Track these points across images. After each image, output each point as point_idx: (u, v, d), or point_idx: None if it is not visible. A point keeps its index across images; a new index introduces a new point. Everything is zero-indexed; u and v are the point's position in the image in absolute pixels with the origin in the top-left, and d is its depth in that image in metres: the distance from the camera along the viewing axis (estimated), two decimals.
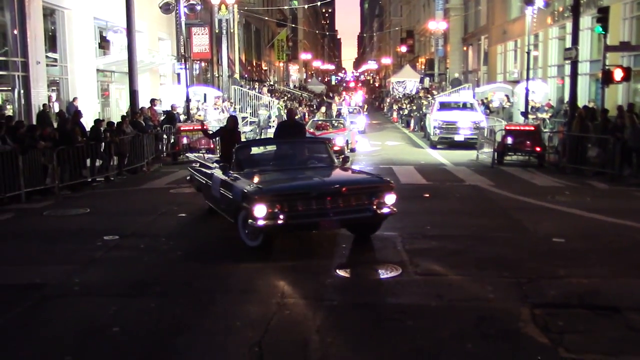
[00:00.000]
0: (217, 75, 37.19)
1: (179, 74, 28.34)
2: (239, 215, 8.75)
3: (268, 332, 5.95)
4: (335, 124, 24.35)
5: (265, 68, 59.62)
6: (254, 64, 53.47)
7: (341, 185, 8.81)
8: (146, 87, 25.70)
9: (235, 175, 9.38)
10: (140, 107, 20.50)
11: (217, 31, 34.59)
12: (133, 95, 19.92)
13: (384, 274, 7.69)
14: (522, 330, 5.91)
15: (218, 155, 12.98)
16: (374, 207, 8.61)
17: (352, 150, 21.94)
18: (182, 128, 20.98)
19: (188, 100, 24.80)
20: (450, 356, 5.39)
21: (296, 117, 18.20)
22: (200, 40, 32.45)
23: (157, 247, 9.17)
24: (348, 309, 6.62)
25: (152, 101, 23.16)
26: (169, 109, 23.10)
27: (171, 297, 6.98)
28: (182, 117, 23.92)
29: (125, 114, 19.51)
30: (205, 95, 29.65)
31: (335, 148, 17.93)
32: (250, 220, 8.21)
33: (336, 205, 8.44)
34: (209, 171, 10.53)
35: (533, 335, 5.76)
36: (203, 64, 36.70)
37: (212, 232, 10.04)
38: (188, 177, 12.41)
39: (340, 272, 7.79)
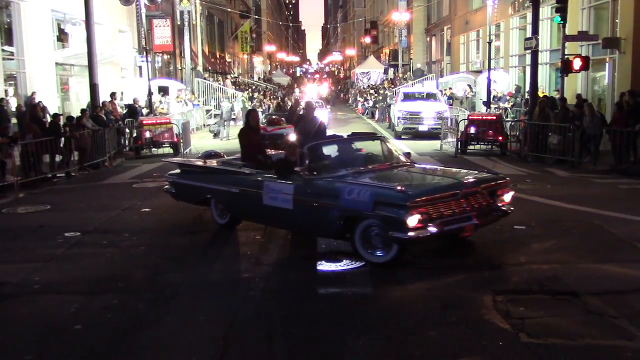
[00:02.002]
0: (180, 67, 36.81)
1: (140, 67, 27.96)
2: (357, 227, 7.48)
3: (233, 325, 5.93)
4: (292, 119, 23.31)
5: (229, 60, 59.21)
6: (218, 56, 53.04)
7: (477, 184, 7.87)
8: (107, 80, 25.29)
9: (325, 179, 8.00)
10: (101, 101, 20.16)
11: (179, 23, 34.23)
12: (93, 88, 19.58)
13: (348, 264, 7.72)
14: (485, 317, 5.99)
15: (230, 158, 10.56)
16: (501, 205, 8.08)
17: None
18: (144, 122, 20.70)
19: (150, 94, 24.48)
20: (415, 344, 5.44)
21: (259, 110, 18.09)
22: (162, 33, 32.07)
23: (119, 242, 9.04)
24: (313, 300, 6.63)
25: (113, 95, 22.80)
26: (131, 102, 22.77)
27: (134, 293, 6.90)
28: (145, 111, 23.61)
29: (85, 108, 19.17)
30: (167, 88, 29.28)
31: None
32: (393, 232, 7.09)
33: (474, 207, 7.61)
34: (250, 178, 8.80)
35: (495, 322, 5.85)
36: (165, 57, 36.26)
37: (176, 227, 9.94)
38: (167, 188, 10.47)
39: (306, 263, 7.80)
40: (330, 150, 9.00)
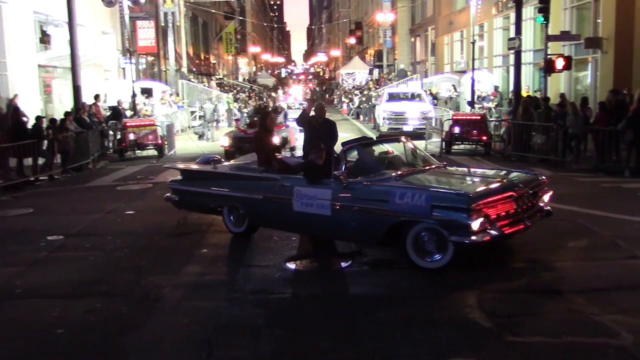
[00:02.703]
0: (164, 69, 36.64)
1: (124, 69, 27.79)
2: (408, 232, 7.20)
3: (217, 327, 5.90)
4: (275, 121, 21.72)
5: (214, 61, 59.05)
6: (202, 58, 52.88)
7: (526, 185, 7.71)
8: (90, 82, 25.07)
9: (369, 182, 7.65)
10: (83, 103, 19.99)
11: (163, 24, 34.06)
12: (76, 90, 19.43)
13: (333, 265, 7.71)
14: (469, 316, 6.01)
15: (242, 162, 9.82)
16: (543, 205, 7.97)
17: (292, 149, 19.49)
18: (128, 124, 20.57)
19: (134, 95, 24.34)
20: (400, 344, 5.44)
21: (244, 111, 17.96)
22: (146, 34, 31.91)
23: (103, 245, 8.97)
24: (299, 301, 6.62)
25: (96, 97, 22.64)
26: (115, 104, 22.62)
27: (118, 297, 6.84)
28: (129, 113, 23.46)
29: (69, 111, 19.01)
30: (151, 89, 29.11)
31: None
32: (454, 237, 6.85)
33: (524, 208, 7.49)
34: (277, 183, 8.30)
35: (479, 321, 5.87)
36: (149, 58, 36.08)
37: (161, 230, 9.87)
38: (169, 196, 9.78)
39: (290, 265, 7.78)
40: (364, 153, 8.57)
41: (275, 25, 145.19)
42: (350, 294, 6.80)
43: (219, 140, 19.96)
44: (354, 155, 8.42)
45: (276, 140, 17.62)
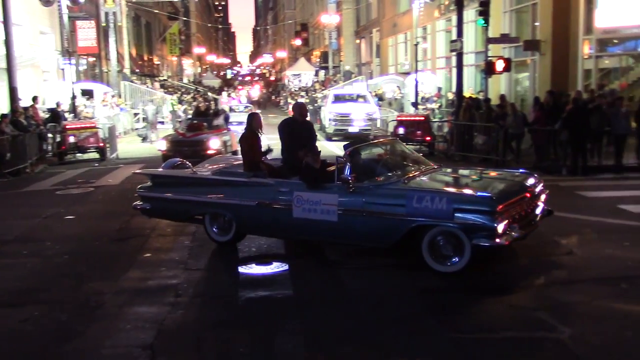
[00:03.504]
0: (105, 70, 35.84)
1: (63, 70, 27.06)
2: (424, 236, 7.04)
3: (161, 332, 5.80)
4: (214, 124, 19.69)
5: (158, 62, 58.14)
6: (146, 59, 51.99)
7: (532, 185, 7.73)
8: (28, 84, 24.32)
9: (382, 186, 7.39)
10: (21, 105, 19.36)
11: (104, 24, 33.30)
12: (12, 92, 18.81)
13: (279, 267, 7.69)
14: (415, 314, 6.10)
15: (225, 166, 9.29)
16: (543, 205, 7.87)
17: (234, 153, 18.32)
18: (68, 126, 20.01)
19: (74, 97, 23.72)
20: (347, 343, 5.47)
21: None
22: (86, 34, 31.16)
23: (41, 251, 8.70)
24: (245, 304, 6.57)
25: (35, 99, 21.97)
26: (54, 106, 22.00)
27: (57, 304, 6.64)
28: (69, 115, 22.85)
29: (5, 113, 18.38)
30: (92, 91, 28.43)
31: (210, 152, 16.14)
32: (478, 240, 6.73)
33: (533, 209, 7.56)
34: (272, 189, 7.88)
35: (425, 319, 5.96)
36: (90, 59, 35.25)
37: (103, 234, 9.63)
38: (139, 204, 8.98)
39: (235, 268, 7.72)
40: (365, 156, 8.22)
41: (220, 26, 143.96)
42: (299, 295, 6.78)
43: (156, 144, 18.93)
44: (366, 157, 8.20)
45: (215, 144, 17.09)
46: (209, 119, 19.89)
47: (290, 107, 43.27)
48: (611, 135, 15.15)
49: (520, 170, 8.85)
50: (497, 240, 6.69)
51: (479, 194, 7.10)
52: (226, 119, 21.43)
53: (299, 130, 8.88)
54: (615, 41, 22.20)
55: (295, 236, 8.12)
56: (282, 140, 8.82)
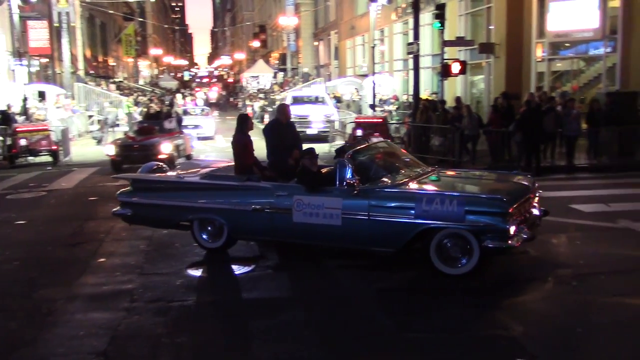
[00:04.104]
0: (59, 71, 35.06)
1: (14, 71, 26.38)
2: (432, 239, 6.92)
3: (115, 339, 5.69)
4: (166, 127, 18.83)
5: (113, 64, 57.20)
6: (101, 60, 51.10)
7: (534, 187, 7.78)
8: None
9: (387, 189, 7.26)
10: None
11: (57, 25, 32.57)
12: None
13: (237, 270, 7.64)
14: (370, 315, 6.12)
15: (214, 169, 9.00)
16: (537, 205, 7.84)
17: (188, 157, 18.50)
18: (19, 129, 19.47)
19: (26, 99, 23.14)
20: (301, 344, 5.45)
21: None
22: (38, 35, 30.41)
23: None
24: (201, 308, 6.50)
25: None
26: (4, 108, 21.41)
27: (6, 312, 6.47)
28: (20, 117, 22.28)
29: None
30: (44, 93, 27.76)
31: (161, 156, 15.55)
32: (490, 242, 6.66)
33: (533, 209, 7.59)
34: (270, 193, 7.63)
35: (380, 319, 5.99)
36: (43, 60, 34.45)
37: (55, 240, 9.41)
38: (119, 210, 8.61)
39: (192, 272, 7.64)
40: (364, 158, 7.91)
41: (178, 28, 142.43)
42: (253, 298, 6.74)
43: (105, 148, 17.97)
44: (365, 159, 7.92)
45: (167, 148, 16.38)
46: (160, 122, 19.11)
47: (249, 109, 43.22)
48: (563, 137, 15.51)
49: (514, 171, 8.98)
50: (510, 241, 6.68)
51: (490, 195, 7.08)
52: (179, 121, 20.84)
53: (284, 133, 8.76)
54: (567, 44, 22.76)
55: (294, 241, 7.82)
56: (268, 143, 8.72)
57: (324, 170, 8.06)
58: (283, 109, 9.17)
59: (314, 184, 7.45)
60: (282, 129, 8.81)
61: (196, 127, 25.39)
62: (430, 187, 7.53)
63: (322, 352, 5.34)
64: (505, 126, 15.45)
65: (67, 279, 7.47)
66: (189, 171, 8.91)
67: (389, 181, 7.49)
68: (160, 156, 15.72)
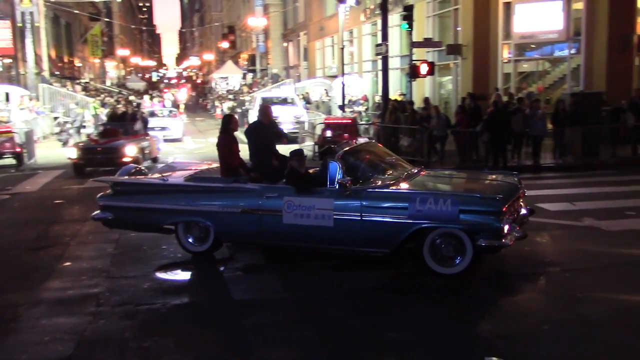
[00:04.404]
0: (22, 72, 34.37)
1: None
2: (425, 239, 6.94)
3: (81, 344, 5.60)
4: (131, 130, 18.21)
5: (79, 65, 56.31)
6: (66, 61, 50.28)
7: (522, 186, 7.88)
8: None
9: (380, 189, 7.24)
10: None
11: (20, 25, 31.94)
12: None
13: (206, 272, 7.56)
14: (340, 315, 6.12)
15: (196, 171, 8.86)
16: (525, 205, 7.91)
17: (154, 160, 18.33)
18: None
19: None
20: (268, 346, 5.43)
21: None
22: (1, 35, 29.83)
23: None
24: (169, 310, 6.42)
25: None
26: None
27: None
28: None
29: None
30: (7, 94, 27.20)
31: (125, 159, 15.30)
32: (484, 241, 6.70)
33: (517, 210, 7.57)
34: (258, 194, 7.55)
35: (350, 319, 6.00)
36: (6, 61, 33.76)
37: (19, 243, 9.22)
38: (99, 214, 8.39)
39: (160, 274, 7.55)
40: (353, 158, 7.84)
41: (145, 28, 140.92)
42: (222, 300, 6.69)
43: (66, 151, 17.35)
44: (355, 159, 7.86)
45: (131, 150, 15.97)
46: (125, 124, 18.67)
47: (218, 110, 42.97)
48: (529, 137, 15.74)
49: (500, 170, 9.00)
50: (504, 240, 6.75)
51: (483, 195, 7.10)
52: (145, 123, 20.34)
53: (267, 134, 8.73)
54: (533, 46, 23.13)
55: (285, 243, 7.70)
56: (250, 145, 8.67)
57: (310, 171, 8.03)
58: (265, 110, 9.10)
59: (304, 185, 7.40)
60: (265, 130, 8.78)
61: (163, 128, 25.05)
62: (422, 187, 7.53)
63: (293, 352, 5.32)
64: (472, 126, 15.63)
65: (32, 283, 7.32)
66: (171, 174, 8.74)
67: (380, 181, 7.47)
68: (124, 159, 15.42)
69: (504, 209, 6.75)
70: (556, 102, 17.21)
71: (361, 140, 8.82)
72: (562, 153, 15.88)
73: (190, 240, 8.09)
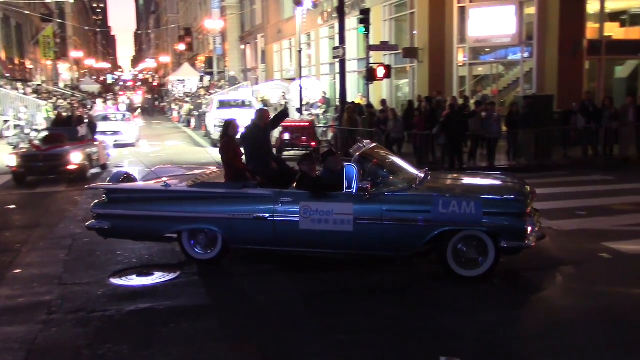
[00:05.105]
0: None
1: None
2: (449, 242, 6.95)
3: (32, 353, 5.45)
4: (77, 135, 16.84)
5: (31, 67, 54.99)
6: (17, 63, 49.06)
7: (531, 189, 7.92)
8: None
9: (404, 193, 7.26)
10: None
11: None
12: None
13: (161, 277, 7.45)
14: (297, 318, 6.11)
15: (197, 175, 8.68)
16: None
17: (104, 167, 17.46)
18: None
19: None
20: (228, 352, 5.39)
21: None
22: None
23: None
24: (123, 317, 6.29)
25: None
26: None
27: None
28: None
29: None
30: None
31: (70, 167, 14.84)
32: (509, 242, 6.80)
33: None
34: (273, 199, 7.37)
35: (307, 322, 5.99)
36: None
37: None
38: (95, 223, 7.96)
39: (114, 281, 7.40)
40: (369, 162, 7.69)
41: (99, 29, 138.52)
42: (178, 305, 6.58)
43: (5, 159, 15.95)
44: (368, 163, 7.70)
45: (77, 157, 15.06)
46: (70, 129, 17.20)
47: (175, 113, 42.48)
48: (484, 139, 16.01)
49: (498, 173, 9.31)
50: (527, 241, 6.85)
51: (507, 197, 7.18)
52: (93, 128, 18.90)
53: (264, 137, 8.76)
54: (487, 50, 23.55)
55: (300, 248, 7.53)
56: (247, 149, 8.61)
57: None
58: (263, 114, 9.07)
59: (320, 189, 7.30)
60: (262, 134, 8.76)
61: (115, 133, 24.22)
62: (442, 190, 7.54)
63: (249, 355, 5.28)
64: (429, 129, 15.81)
65: None
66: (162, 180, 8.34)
67: (396, 185, 7.47)
68: (69, 167, 14.78)
69: (527, 210, 6.90)
70: (510, 105, 17.54)
71: (366, 142, 8.73)
72: (516, 155, 16.19)
73: (196, 248, 7.85)
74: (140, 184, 8.51)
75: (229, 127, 8.53)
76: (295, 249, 7.55)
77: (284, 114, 9.93)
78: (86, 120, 19.72)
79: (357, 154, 7.55)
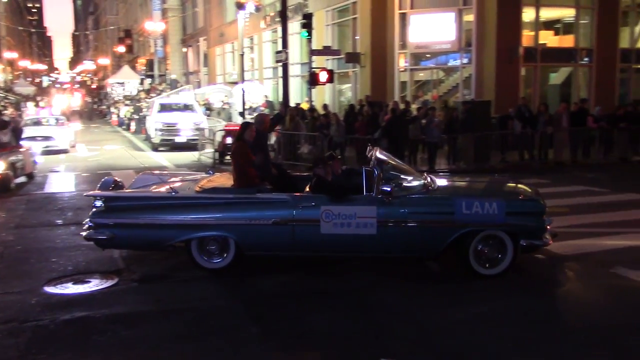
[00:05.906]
0: None
1: None
2: (471, 242, 7.10)
3: None
4: (1, 142, 15.24)
5: None
6: None
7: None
8: None
9: (426, 195, 7.42)
10: None
11: None
12: None
13: (98, 285, 7.24)
14: (237, 324, 6.04)
15: (201, 180, 8.36)
16: None
17: (30, 176, 16.18)
18: None
19: None
20: (166, 357, 5.28)
21: None
22: None
23: None
24: (57, 327, 6.08)
25: None
26: None
27: None
28: None
29: None
30: None
31: None
32: (532, 241, 7.14)
33: None
34: (292, 205, 7.22)
35: (247, 327, 5.93)
36: None
37: None
38: (93, 233, 7.56)
39: (49, 289, 7.14)
40: (386, 164, 7.74)
41: (34, 30, 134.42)
42: (116, 313, 6.41)
43: None
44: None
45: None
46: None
47: (114, 116, 41.59)
48: (425, 143, 16.28)
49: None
50: (545, 239, 7.23)
51: (528, 197, 7.59)
52: (18, 133, 17.32)
53: (264, 142, 8.82)
54: (428, 55, 23.99)
55: (321, 253, 7.52)
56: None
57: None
58: (263, 119, 9.05)
59: (340, 193, 7.25)
60: (261, 139, 8.69)
61: (47, 138, 22.82)
62: (463, 192, 8.02)
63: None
64: (370, 133, 15.96)
65: None
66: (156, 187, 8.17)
67: (417, 187, 7.62)
68: None
69: (546, 209, 7.31)
70: (449, 110, 17.91)
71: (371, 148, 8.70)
72: (455, 159, 16.52)
73: (206, 257, 7.56)
74: (143, 190, 8.18)
75: (245, 130, 8.21)
76: (314, 253, 7.54)
77: (280, 117, 10.07)
78: (10, 126, 17.66)
79: (374, 157, 7.51)
